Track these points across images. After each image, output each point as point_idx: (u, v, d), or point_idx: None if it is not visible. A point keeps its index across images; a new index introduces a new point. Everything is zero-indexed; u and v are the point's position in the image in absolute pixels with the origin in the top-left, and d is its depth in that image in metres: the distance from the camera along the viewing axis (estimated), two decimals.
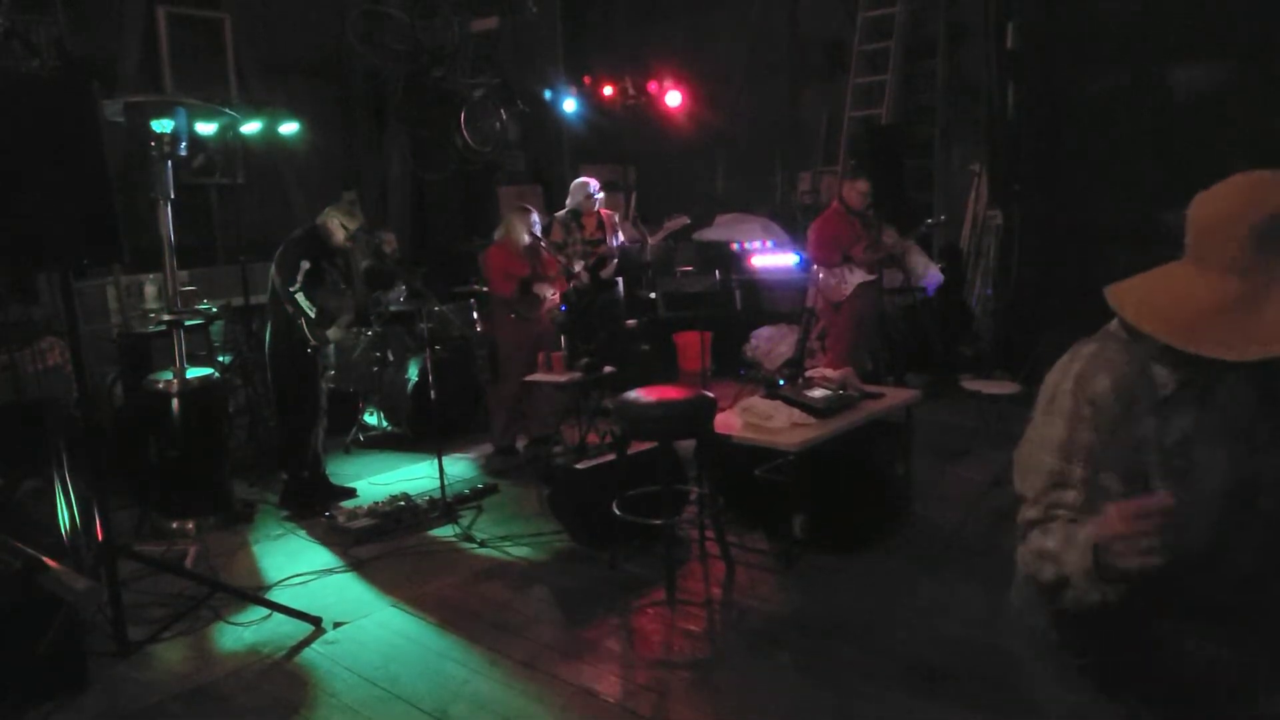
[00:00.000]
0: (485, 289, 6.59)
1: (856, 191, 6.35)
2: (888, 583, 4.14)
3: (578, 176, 7.11)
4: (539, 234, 6.16)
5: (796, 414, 4.38)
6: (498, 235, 6.27)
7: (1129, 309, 1.54)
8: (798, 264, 8.21)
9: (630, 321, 7.71)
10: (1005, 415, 5.73)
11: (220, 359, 6.10)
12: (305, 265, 5.14)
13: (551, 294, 6.18)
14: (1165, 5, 7.16)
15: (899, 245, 6.55)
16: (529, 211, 6.17)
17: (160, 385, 5.09)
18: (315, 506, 5.28)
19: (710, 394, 4.34)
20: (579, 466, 4.95)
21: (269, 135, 7.42)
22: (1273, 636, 1.57)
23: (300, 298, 5.12)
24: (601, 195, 6.76)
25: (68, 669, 3.41)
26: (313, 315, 5.17)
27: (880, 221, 6.47)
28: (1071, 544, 1.46)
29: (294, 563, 4.62)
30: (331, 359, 6.76)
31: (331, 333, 5.36)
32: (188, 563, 4.57)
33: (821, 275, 6.48)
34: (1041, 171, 7.95)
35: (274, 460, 5.73)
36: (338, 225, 5.31)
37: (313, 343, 5.23)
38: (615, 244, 6.70)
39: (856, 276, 6.36)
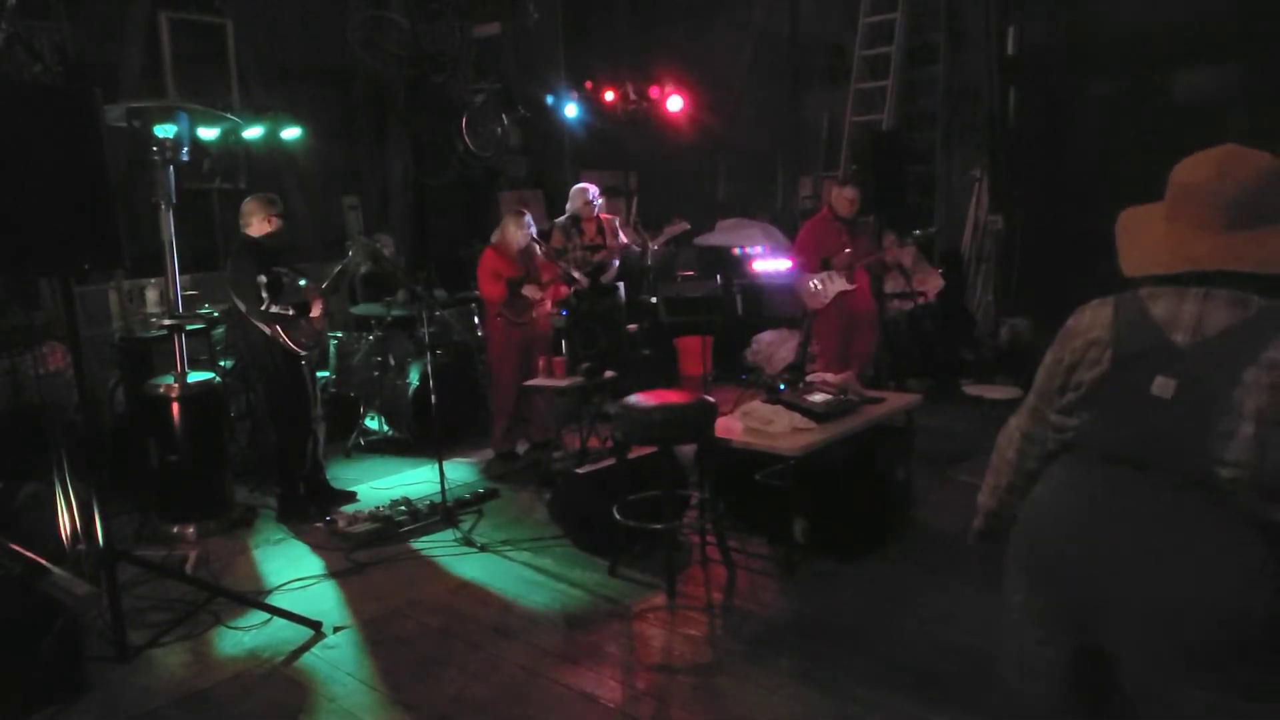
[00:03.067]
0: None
1: (844, 199, 6.33)
2: (889, 588, 4.13)
3: (579, 182, 7.12)
4: (535, 237, 6.16)
5: (797, 418, 4.38)
6: (494, 239, 6.27)
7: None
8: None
9: (631, 326, 7.71)
10: (1007, 420, 5.72)
11: (221, 363, 6.10)
12: (264, 280, 4.96)
13: (540, 296, 6.18)
14: (1166, 10, 7.17)
15: (893, 253, 6.52)
16: (524, 215, 6.17)
17: (161, 390, 5.09)
18: (312, 511, 5.27)
19: (711, 399, 4.34)
20: (580, 471, 4.95)
21: (271, 140, 7.44)
22: None
23: (275, 310, 4.99)
24: (601, 201, 6.77)
25: (67, 674, 3.40)
26: (291, 314, 5.08)
27: (879, 228, 6.45)
28: None
29: (294, 567, 4.62)
30: (331, 359, 6.76)
31: (316, 312, 5.24)
32: (188, 567, 4.57)
33: (800, 280, 6.47)
34: (1042, 176, 7.96)
35: (274, 465, 5.71)
36: (264, 220, 5.12)
37: (302, 354, 5.16)
38: (616, 246, 6.71)
39: (836, 285, 6.33)
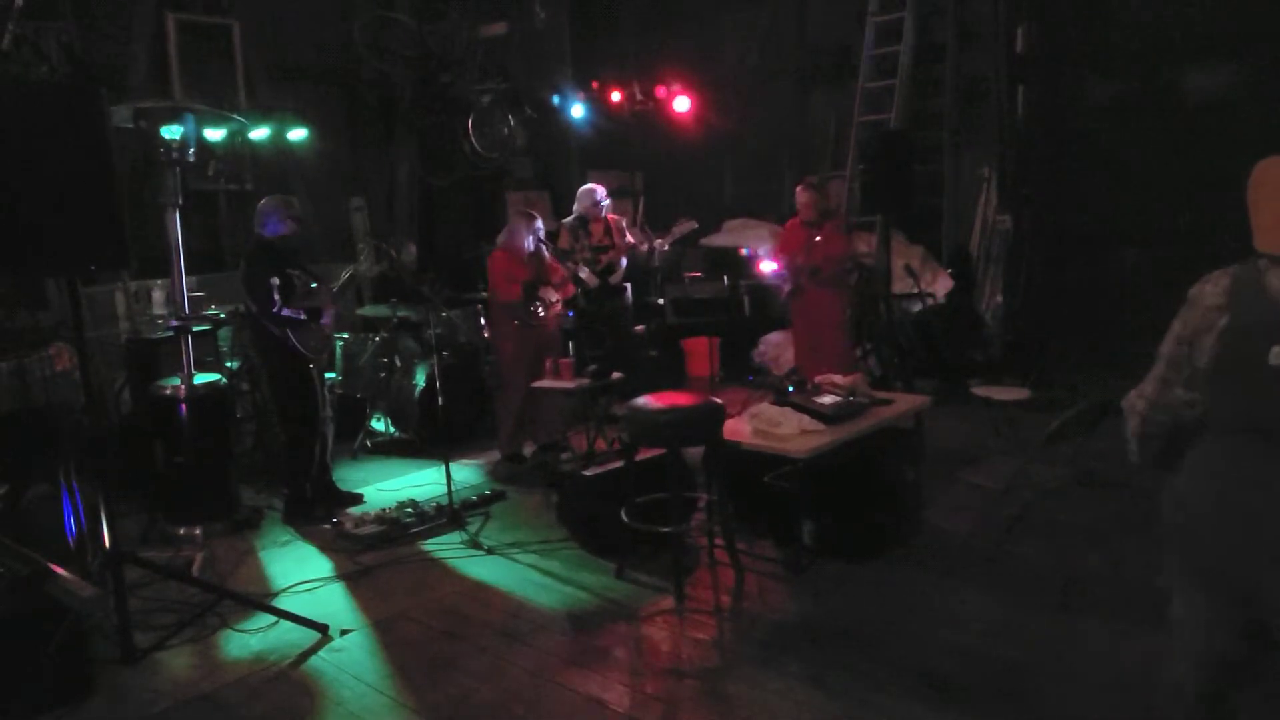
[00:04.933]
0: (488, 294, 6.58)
1: (798, 202, 6.42)
2: (898, 591, 4.11)
3: (586, 182, 7.10)
4: (543, 240, 6.14)
5: (805, 420, 4.35)
6: (500, 240, 6.25)
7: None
8: None
9: (639, 327, 7.69)
10: (1016, 421, 5.69)
11: (228, 365, 6.10)
12: (276, 283, 4.94)
13: (555, 298, 6.17)
14: (1175, 9, 7.14)
15: (845, 260, 6.55)
16: (534, 218, 6.16)
17: (167, 391, 5.09)
18: (319, 513, 5.26)
19: (719, 400, 4.32)
20: (587, 473, 4.93)
21: (277, 141, 7.44)
22: None
23: (287, 313, 4.99)
24: (608, 201, 6.75)
25: (73, 676, 3.40)
26: (303, 318, 5.08)
27: (842, 229, 6.50)
28: None
29: (301, 569, 4.61)
30: (337, 361, 6.76)
31: (328, 318, 5.25)
32: (194, 569, 4.56)
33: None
34: (1051, 176, 7.92)
35: (281, 467, 5.69)
36: (279, 222, 5.11)
37: (312, 358, 5.15)
38: (624, 246, 6.69)
39: (787, 286, 6.50)
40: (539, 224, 6.15)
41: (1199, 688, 2.12)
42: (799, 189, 6.42)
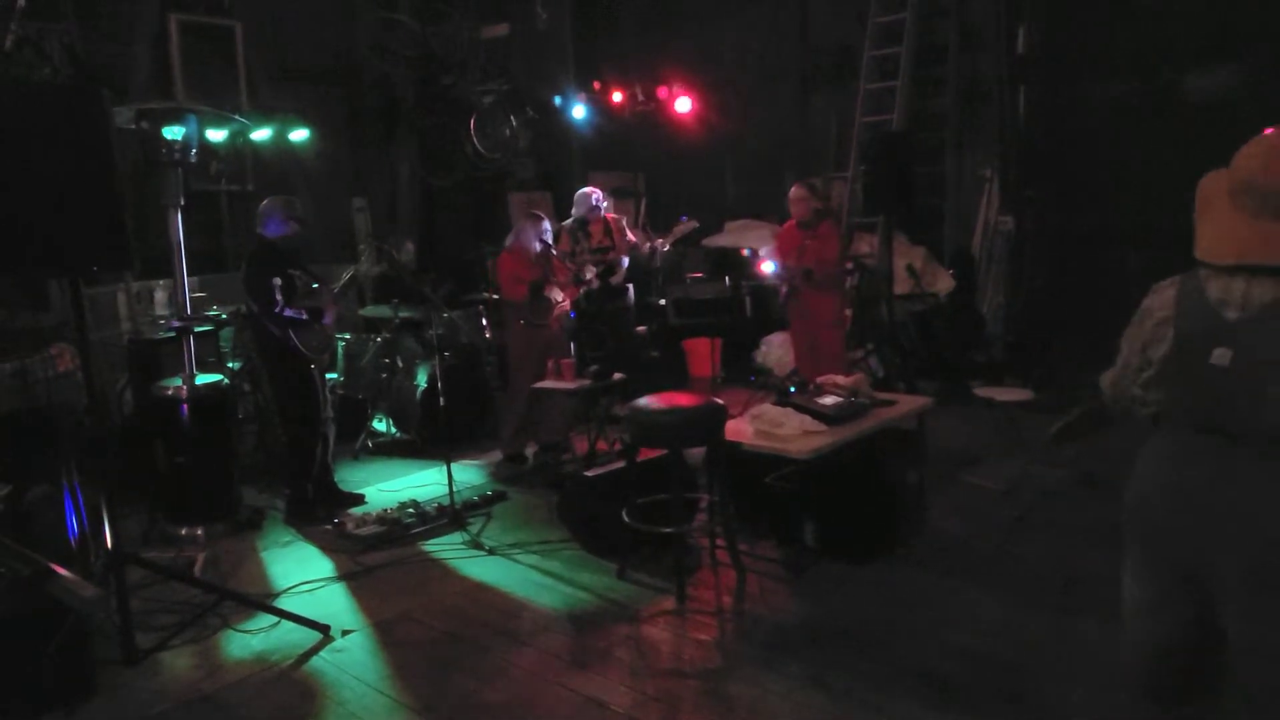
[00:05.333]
0: (496, 295, 6.58)
1: (790, 201, 6.40)
2: (899, 592, 4.10)
3: (587, 183, 7.11)
4: (550, 241, 6.16)
5: (807, 421, 4.35)
6: (508, 242, 6.27)
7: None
8: None
9: (640, 328, 7.70)
10: (1017, 422, 5.69)
11: (229, 365, 6.10)
12: (278, 283, 4.94)
13: (561, 298, 6.18)
14: (1177, 10, 7.13)
15: (840, 262, 6.54)
16: (540, 219, 6.17)
17: (169, 391, 5.09)
18: (320, 514, 5.26)
19: (720, 401, 4.32)
20: (588, 474, 4.93)
21: (279, 142, 7.44)
22: None
23: (289, 314, 4.99)
24: (607, 204, 6.75)
25: (75, 677, 3.39)
26: (305, 319, 5.08)
27: (838, 230, 6.48)
28: None
29: (302, 570, 4.61)
30: (339, 361, 6.77)
31: (329, 319, 5.27)
32: (196, 570, 4.56)
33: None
34: (1053, 177, 7.92)
35: (282, 467, 5.70)
36: (281, 222, 5.13)
37: (313, 358, 5.15)
38: (625, 245, 6.69)
39: (784, 289, 6.51)
40: (546, 225, 6.16)
41: (1145, 678, 2.25)
42: (792, 190, 6.42)
